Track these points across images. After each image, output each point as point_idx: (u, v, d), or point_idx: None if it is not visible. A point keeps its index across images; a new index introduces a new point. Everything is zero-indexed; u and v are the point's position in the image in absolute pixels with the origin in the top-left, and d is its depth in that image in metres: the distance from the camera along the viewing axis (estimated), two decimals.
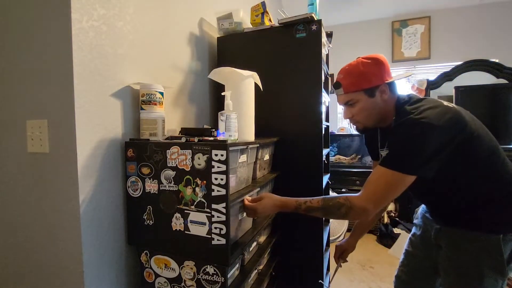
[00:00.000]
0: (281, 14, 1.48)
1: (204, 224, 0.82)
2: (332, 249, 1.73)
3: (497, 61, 2.71)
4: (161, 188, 0.87)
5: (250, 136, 1.09)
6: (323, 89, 1.33)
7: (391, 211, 2.90)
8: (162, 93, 0.97)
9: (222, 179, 0.79)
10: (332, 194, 2.86)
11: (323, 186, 1.33)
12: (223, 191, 0.79)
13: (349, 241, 1.27)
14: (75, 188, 0.78)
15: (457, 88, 2.72)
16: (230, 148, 0.79)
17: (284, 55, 1.34)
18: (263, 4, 1.44)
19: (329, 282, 1.44)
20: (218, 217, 0.80)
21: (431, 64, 3.24)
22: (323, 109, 1.38)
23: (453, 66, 2.75)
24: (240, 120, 1.00)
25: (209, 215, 0.81)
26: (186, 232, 0.85)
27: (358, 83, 0.89)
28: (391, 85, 0.91)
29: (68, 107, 0.77)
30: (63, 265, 0.82)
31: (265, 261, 1.27)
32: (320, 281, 1.31)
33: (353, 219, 0.88)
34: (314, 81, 1.30)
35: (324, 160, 1.38)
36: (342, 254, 1.27)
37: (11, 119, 0.87)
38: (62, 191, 0.80)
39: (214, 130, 0.91)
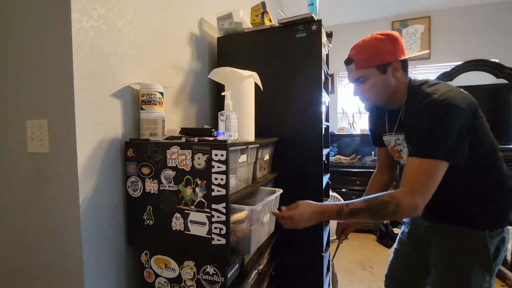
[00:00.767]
0: (281, 14, 1.48)
1: (204, 224, 0.82)
2: (332, 249, 1.74)
3: (497, 61, 2.71)
4: (161, 188, 0.87)
5: (250, 136, 1.09)
6: (323, 89, 1.33)
7: None
8: (162, 93, 0.97)
9: (222, 179, 0.79)
10: (332, 194, 2.86)
11: (323, 186, 1.33)
12: (223, 191, 0.79)
13: None
14: (75, 188, 0.78)
15: None
16: (230, 148, 0.79)
17: (284, 55, 1.34)
18: (263, 4, 1.44)
19: (332, 260, 1.40)
20: (218, 217, 0.80)
21: (431, 64, 3.24)
22: (323, 109, 1.38)
23: (453, 66, 2.75)
24: (240, 120, 1.00)
25: (209, 215, 0.81)
26: (186, 232, 0.85)
27: (371, 59, 0.87)
28: (403, 64, 0.89)
29: (68, 107, 0.77)
30: (63, 265, 0.82)
31: (265, 261, 1.26)
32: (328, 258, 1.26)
33: (402, 217, 0.84)
34: (314, 81, 1.29)
35: (324, 160, 1.38)
36: (344, 231, 1.22)
37: (11, 119, 0.87)
38: (62, 191, 0.80)
39: (214, 130, 0.91)
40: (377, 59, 0.86)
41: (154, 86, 0.95)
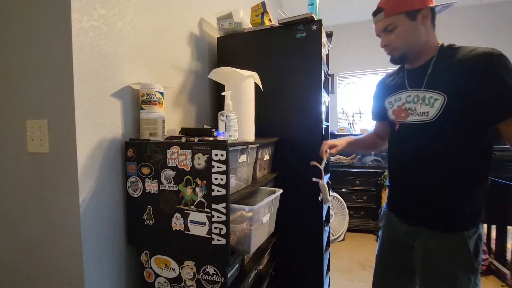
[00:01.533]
0: (281, 14, 1.48)
1: (204, 224, 0.82)
2: (332, 249, 1.74)
3: None
4: (161, 188, 0.87)
5: (250, 136, 1.09)
6: (323, 89, 1.33)
7: None
8: (162, 93, 0.97)
9: (222, 179, 0.79)
10: (332, 194, 2.86)
11: None
12: (223, 191, 0.79)
13: (341, 140, 1.18)
14: (75, 188, 0.78)
15: None
16: (230, 148, 0.79)
17: (284, 55, 1.34)
18: (263, 4, 1.44)
19: (323, 199, 1.17)
20: (218, 217, 0.80)
21: None
22: (323, 109, 1.38)
23: None
24: (240, 120, 1.00)
25: (209, 215, 0.81)
26: (186, 232, 0.85)
27: (400, 5, 0.86)
28: (433, 13, 0.89)
29: (68, 107, 0.77)
30: (63, 265, 0.82)
31: (265, 261, 1.27)
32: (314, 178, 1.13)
33: None
34: (314, 81, 1.30)
35: None
36: (331, 148, 1.16)
37: (11, 119, 0.87)
38: (62, 191, 0.80)
39: (214, 130, 0.91)
40: (406, 4, 0.86)
41: (154, 86, 0.95)
